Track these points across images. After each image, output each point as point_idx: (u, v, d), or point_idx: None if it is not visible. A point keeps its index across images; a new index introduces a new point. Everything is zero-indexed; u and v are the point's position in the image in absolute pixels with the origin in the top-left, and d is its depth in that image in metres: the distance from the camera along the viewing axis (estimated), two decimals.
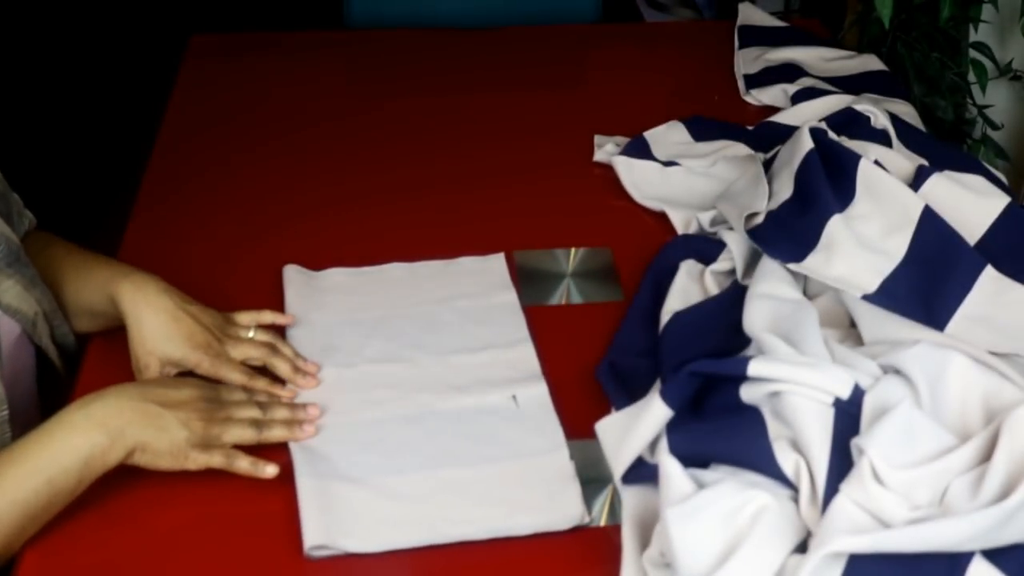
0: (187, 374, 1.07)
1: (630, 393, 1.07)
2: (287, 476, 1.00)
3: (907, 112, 1.50)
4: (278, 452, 1.02)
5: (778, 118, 1.51)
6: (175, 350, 1.06)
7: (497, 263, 1.28)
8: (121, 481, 0.97)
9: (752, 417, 0.97)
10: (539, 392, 1.10)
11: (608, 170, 1.45)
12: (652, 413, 0.97)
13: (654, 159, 1.44)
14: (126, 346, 1.08)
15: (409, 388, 1.10)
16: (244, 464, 0.99)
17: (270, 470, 0.99)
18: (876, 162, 1.19)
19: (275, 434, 1.02)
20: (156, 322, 1.07)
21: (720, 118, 1.55)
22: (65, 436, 0.94)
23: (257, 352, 1.10)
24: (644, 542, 0.93)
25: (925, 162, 1.24)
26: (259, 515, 0.98)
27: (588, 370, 1.13)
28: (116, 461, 0.95)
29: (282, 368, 1.11)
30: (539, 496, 0.99)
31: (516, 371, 1.13)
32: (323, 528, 0.95)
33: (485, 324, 1.19)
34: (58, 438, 0.94)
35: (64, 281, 1.14)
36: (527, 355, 1.15)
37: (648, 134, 1.49)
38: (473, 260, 1.28)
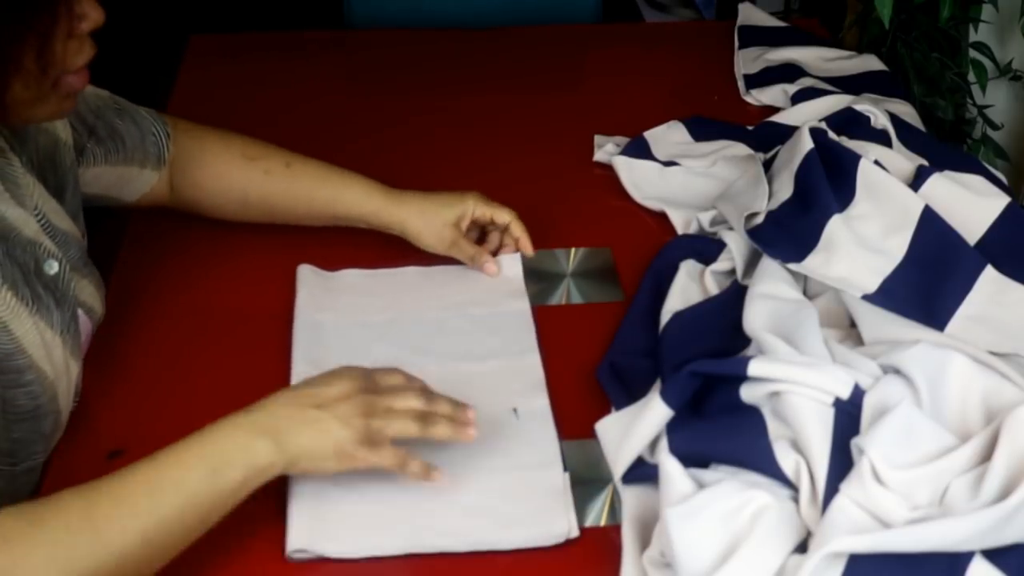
0: None
1: (630, 393, 1.07)
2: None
3: (907, 112, 1.50)
4: None
5: (778, 118, 1.51)
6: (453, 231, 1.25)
7: (514, 269, 1.26)
8: None
9: (752, 417, 0.97)
10: (540, 405, 1.08)
11: (608, 170, 1.45)
12: (652, 413, 0.97)
13: (654, 159, 1.44)
14: (124, 346, 1.08)
15: None
16: (416, 469, 0.95)
17: (436, 475, 0.96)
18: (876, 162, 1.19)
19: (440, 431, 0.96)
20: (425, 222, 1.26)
21: (720, 118, 1.55)
22: (230, 433, 0.90)
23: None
24: (644, 542, 0.93)
25: (925, 162, 1.24)
26: (244, 514, 0.94)
27: (588, 370, 1.12)
28: (281, 470, 0.91)
29: None
30: (527, 511, 0.97)
31: (520, 382, 1.11)
32: (307, 532, 0.94)
33: (494, 332, 1.17)
34: (223, 434, 0.90)
35: (323, 184, 1.25)
36: (533, 366, 1.13)
37: (648, 134, 1.49)
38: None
